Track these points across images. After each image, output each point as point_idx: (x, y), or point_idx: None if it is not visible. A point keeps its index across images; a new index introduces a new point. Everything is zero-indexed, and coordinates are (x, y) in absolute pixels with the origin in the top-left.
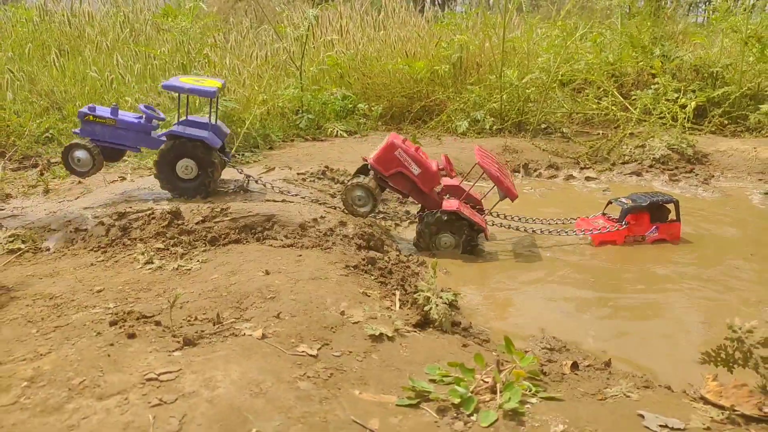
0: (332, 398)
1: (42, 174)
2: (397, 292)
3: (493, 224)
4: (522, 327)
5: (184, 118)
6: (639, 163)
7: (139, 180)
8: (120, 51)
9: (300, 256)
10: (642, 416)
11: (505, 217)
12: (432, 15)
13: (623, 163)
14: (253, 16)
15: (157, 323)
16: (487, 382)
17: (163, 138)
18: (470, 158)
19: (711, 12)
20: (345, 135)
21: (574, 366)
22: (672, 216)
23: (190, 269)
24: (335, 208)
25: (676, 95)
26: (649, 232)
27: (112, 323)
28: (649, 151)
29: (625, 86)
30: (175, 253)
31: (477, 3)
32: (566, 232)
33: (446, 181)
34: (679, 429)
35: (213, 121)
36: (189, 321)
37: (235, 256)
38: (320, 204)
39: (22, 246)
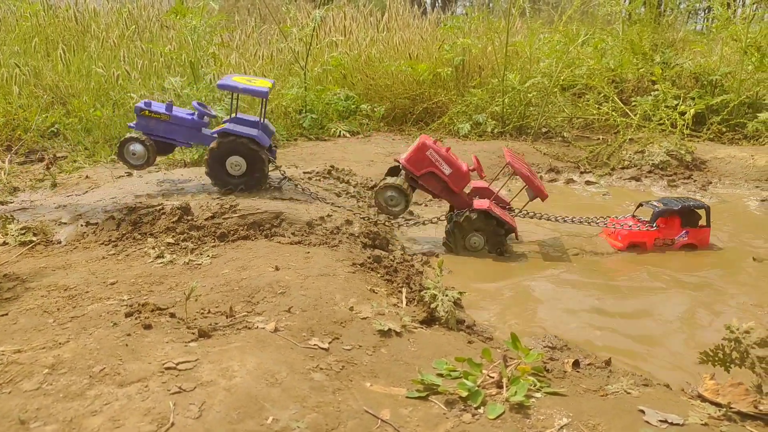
0: (345, 389)
1: (48, 168)
2: (404, 290)
3: (523, 216)
4: (523, 326)
5: (233, 115)
6: (638, 169)
7: (146, 175)
8: (126, 47)
9: (308, 253)
10: (642, 412)
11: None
12: (435, 18)
13: (623, 168)
14: (256, 14)
15: (172, 315)
16: (493, 377)
17: (215, 135)
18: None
19: (711, 20)
20: (348, 135)
21: (576, 364)
22: (702, 222)
23: (200, 264)
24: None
25: (675, 102)
26: (679, 236)
27: (128, 314)
28: (649, 156)
29: (625, 92)
30: (185, 248)
31: (478, 6)
32: (597, 224)
33: (475, 183)
34: (678, 424)
35: (261, 120)
36: (202, 314)
37: (244, 252)
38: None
39: (34, 238)
